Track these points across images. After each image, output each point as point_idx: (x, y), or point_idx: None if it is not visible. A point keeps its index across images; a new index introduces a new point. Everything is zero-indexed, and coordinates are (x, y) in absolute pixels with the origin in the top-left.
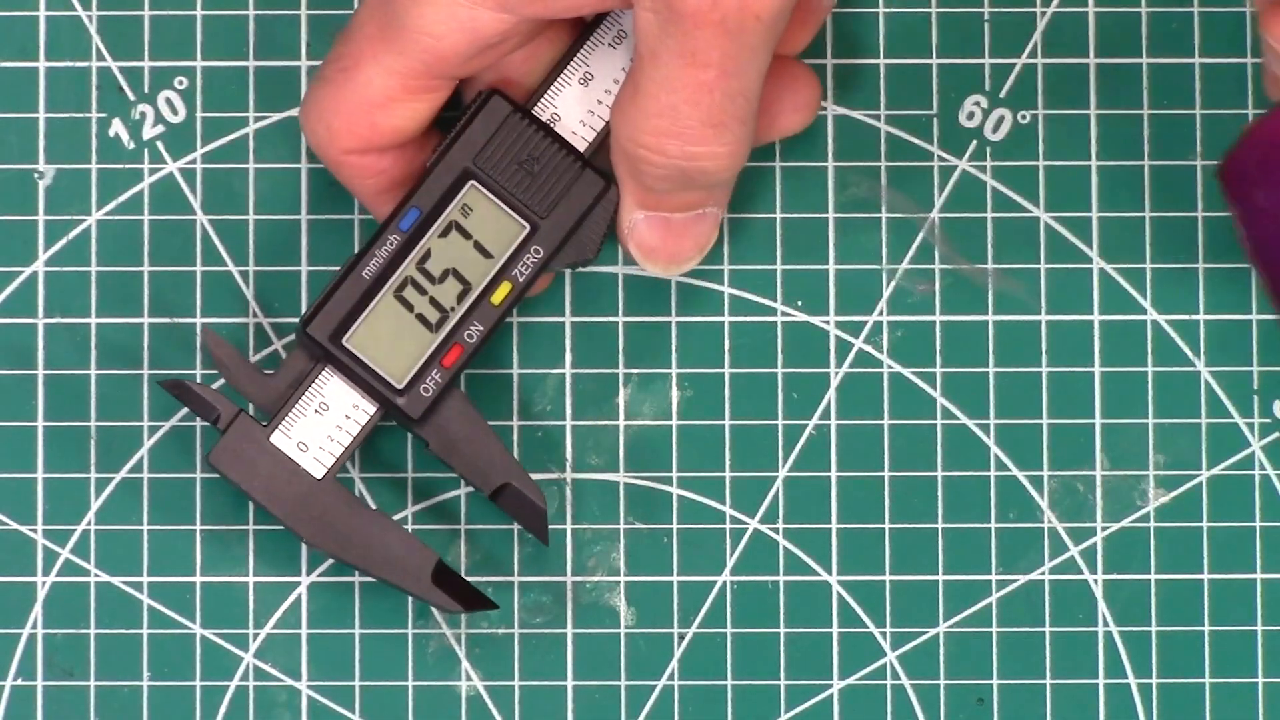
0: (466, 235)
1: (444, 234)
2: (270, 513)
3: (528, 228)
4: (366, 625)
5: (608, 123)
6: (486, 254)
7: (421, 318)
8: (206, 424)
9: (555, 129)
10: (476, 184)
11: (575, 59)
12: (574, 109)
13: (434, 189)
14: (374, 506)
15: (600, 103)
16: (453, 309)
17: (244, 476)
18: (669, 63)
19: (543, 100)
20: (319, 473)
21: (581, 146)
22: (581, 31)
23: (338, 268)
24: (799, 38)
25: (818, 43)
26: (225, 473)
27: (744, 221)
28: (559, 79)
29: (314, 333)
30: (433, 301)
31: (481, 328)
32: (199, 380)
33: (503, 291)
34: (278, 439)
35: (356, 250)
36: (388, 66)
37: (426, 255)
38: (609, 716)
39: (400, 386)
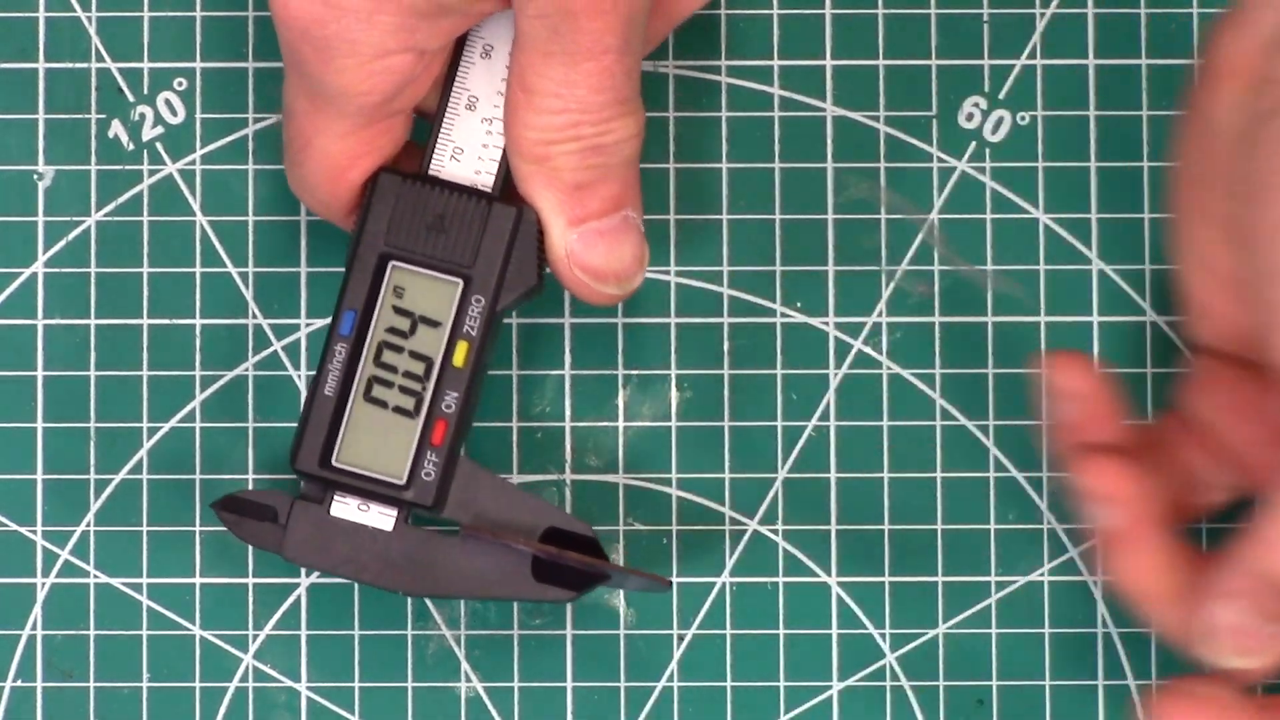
0: (408, 314)
1: (387, 324)
2: (361, 581)
3: (460, 282)
4: (366, 626)
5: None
6: (434, 324)
7: (399, 409)
8: (207, 424)
9: (457, 170)
10: (397, 263)
11: (455, 85)
12: (471, 137)
13: (359, 285)
14: (449, 530)
15: (490, 120)
16: (424, 389)
17: (322, 558)
18: (566, 61)
19: (438, 144)
20: (387, 525)
21: (488, 179)
22: (449, 57)
23: (339, 269)
24: None
25: (815, 43)
26: (306, 562)
27: (743, 222)
28: (446, 114)
29: (303, 467)
30: (402, 390)
31: (457, 394)
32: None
33: (462, 352)
34: (337, 510)
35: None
36: (335, 133)
37: (379, 350)
38: (609, 718)
39: (403, 482)
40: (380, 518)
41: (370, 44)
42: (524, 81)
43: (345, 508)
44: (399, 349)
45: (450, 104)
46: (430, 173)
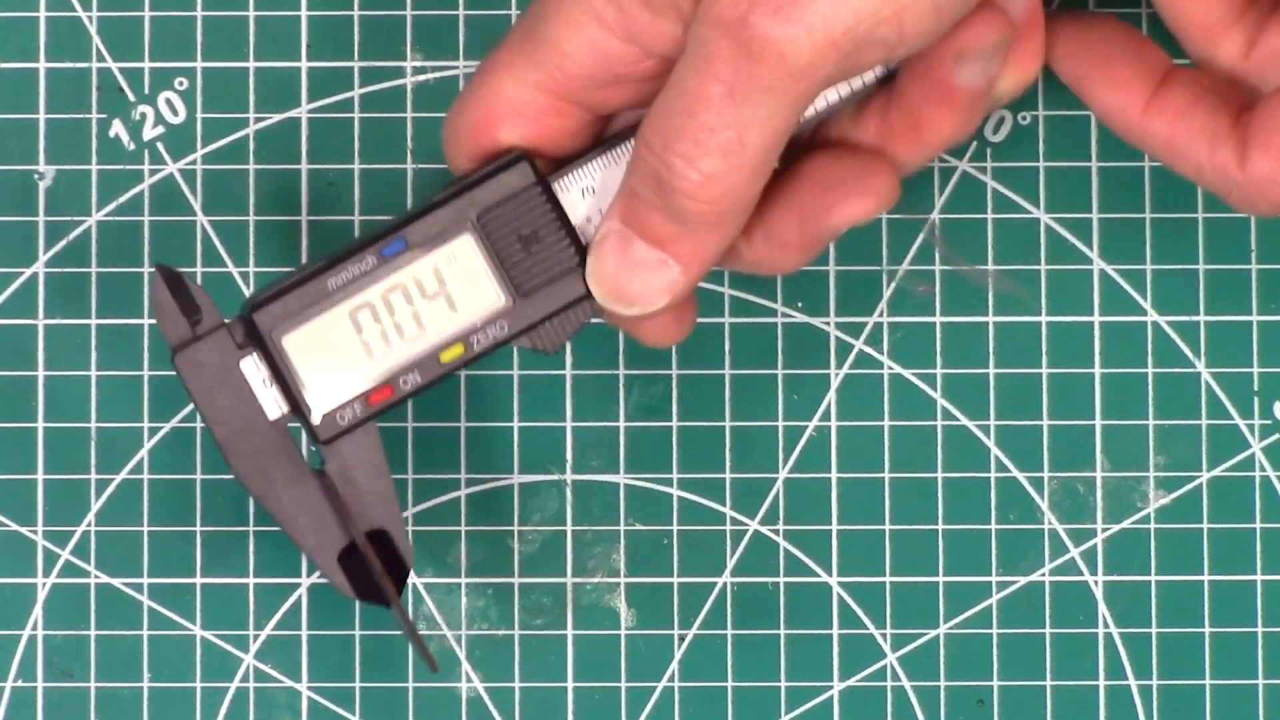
0: (441, 283)
1: (420, 274)
2: (211, 433)
3: (503, 302)
4: (366, 627)
5: None
6: (453, 308)
7: (366, 345)
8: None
9: (576, 205)
10: (472, 239)
11: (624, 142)
12: (609, 185)
13: (428, 228)
14: (317, 471)
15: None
16: (399, 351)
17: (200, 387)
18: (690, 61)
19: (579, 170)
20: (274, 414)
21: (590, 234)
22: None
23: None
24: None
25: None
26: (184, 378)
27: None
28: (603, 153)
29: (260, 320)
30: (383, 334)
31: (420, 379)
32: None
33: (454, 352)
34: (247, 366)
35: (329, 255)
36: (520, 76)
37: (394, 288)
38: (609, 718)
39: (321, 405)
40: (273, 403)
41: (597, 5)
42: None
43: (255, 372)
44: (409, 300)
45: (611, 146)
46: (555, 187)
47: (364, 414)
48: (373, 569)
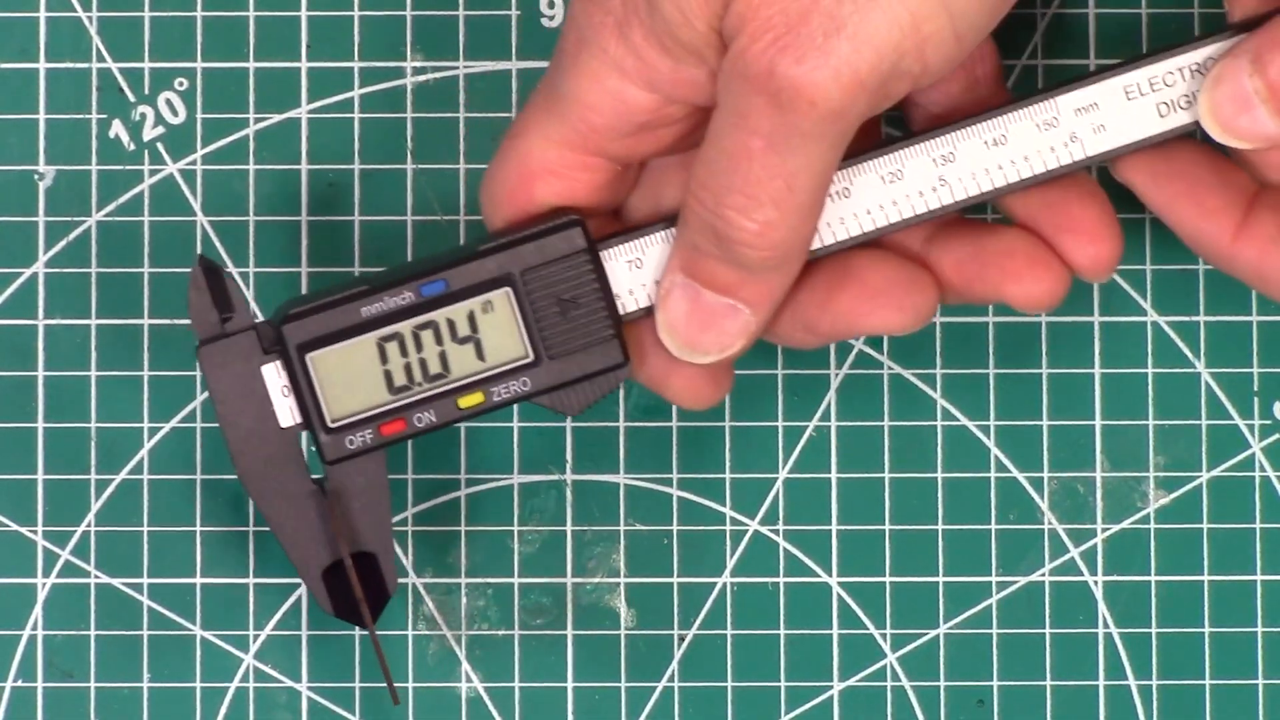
0: (473, 329)
1: (454, 317)
2: (222, 429)
3: (530, 359)
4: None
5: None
6: (481, 356)
7: (388, 375)
8: (207, 424)
9: (622, 275)
10: (511, 292)
11: (670, 222)
12: (657, 262)
13: (472, 274)
14: (321, 485)
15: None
16: (420, 386)
17: (219, 383)
18: (725, 117)
19: (628, 241)
20: (286, 422)
21: (631, 307)
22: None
23: (338, 269)
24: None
25: None
26: (205, 371)
27: None
28: (650, 230)
29: (288, 333)
30: (407, 368)
31: (434, 419)
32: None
33: (473, 399)
34: (268, 371)
35: (369, 282)
36: (547, 134)
37: (426, 325)
38: (609, 718)
39: (334, 425)
40: (287, 412)
41: (615, 56)
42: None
43: (273, 378)
44: (438, 340)
45: (660, 225)
46: (602, 255)
47: (373, 442)
48: (353, 590)
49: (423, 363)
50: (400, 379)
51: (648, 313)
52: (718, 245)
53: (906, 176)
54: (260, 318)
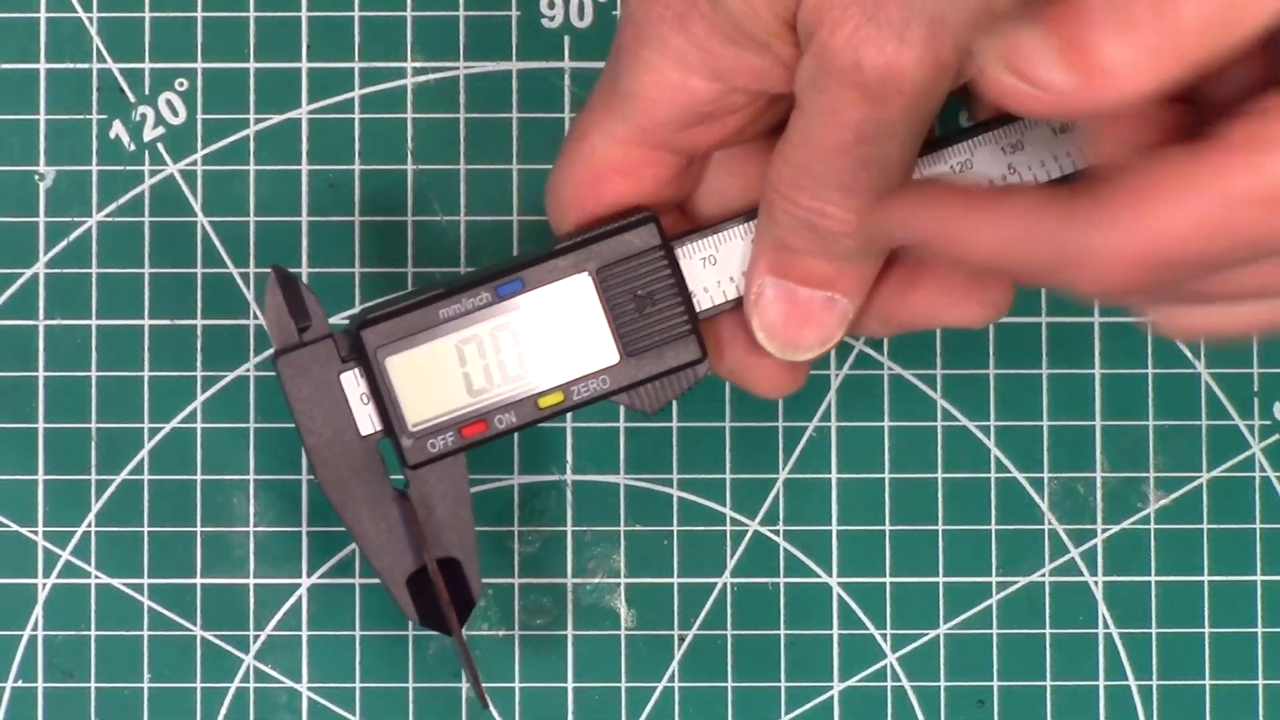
0: (552, 330)
1: (532, 317)
2: (302, 439)
3: (610, 357)
4: (367, 627)
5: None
6: (560, 356)
7: (467, 377)
8: (207, 425)
9: (697, 273)
10: (589, 291)
11: (748, 216)
12: (731, 258)
13: (548, 274)
14: (402, 492)
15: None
16: (499, 387)
17: (298, 393)
18: (812, 115)
19: (703, 238)
20: (366, 430)
21: (706, 304)
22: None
23: (339, 270)
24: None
25: None
26: (283, 381)
27: None
28: (727, 226)
29: (367, 338)
30: (486, 370)
31: (515, 420)
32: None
33: (552, 399)
34: (347, 380)
35: (445, 285)
36: (610, 133)
37: (504, 327)
38: (609, 718)
39: (411, 429)
40: (367, 419)
41: (676, 49)
42: (790, 119)
43: (353, 386)
44: (516, 341)
45: (734, 222)
46: (677, 252)
47: (455, 445)
48: (440, 597)
49: (501, 364)
50: (479, 381)
51: (731, 308)
52: (815, 240)
53: (976, 166)
54: (259, 317)
